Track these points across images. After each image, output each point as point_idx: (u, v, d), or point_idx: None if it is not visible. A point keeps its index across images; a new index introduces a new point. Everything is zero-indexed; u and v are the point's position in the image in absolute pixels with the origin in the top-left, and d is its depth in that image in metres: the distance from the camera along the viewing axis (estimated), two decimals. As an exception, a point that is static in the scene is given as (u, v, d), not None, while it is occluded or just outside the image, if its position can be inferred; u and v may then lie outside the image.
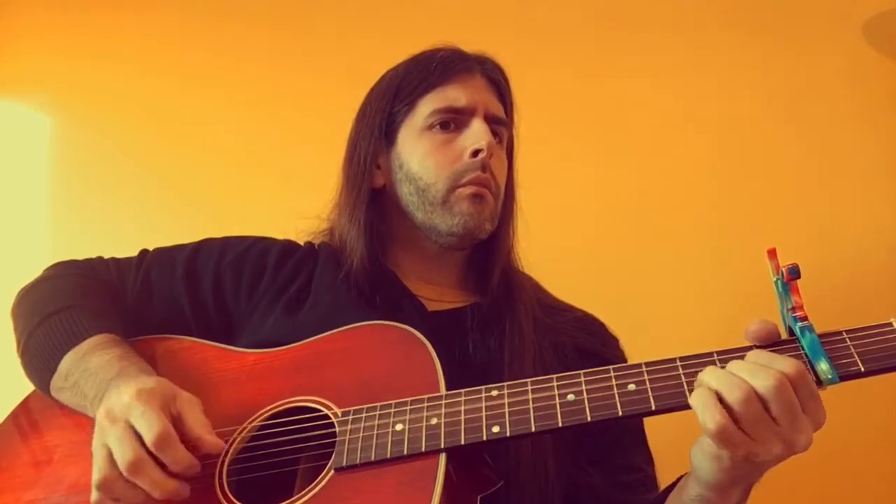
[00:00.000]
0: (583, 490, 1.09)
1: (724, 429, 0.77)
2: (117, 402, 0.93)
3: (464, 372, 0.99)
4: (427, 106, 1.20)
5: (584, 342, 1.20)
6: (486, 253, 1.24)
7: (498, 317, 1.16)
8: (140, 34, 2.12)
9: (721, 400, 0.78)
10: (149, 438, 0.89)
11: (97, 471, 0.90)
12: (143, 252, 1.28)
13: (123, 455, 0.89)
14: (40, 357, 1.11)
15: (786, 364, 0.79)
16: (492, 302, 1.19)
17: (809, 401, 0.79)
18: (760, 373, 0.78)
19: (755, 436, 0.78)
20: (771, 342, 0.85)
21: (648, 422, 1.17)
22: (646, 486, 1.13)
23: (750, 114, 1.88)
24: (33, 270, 1.25)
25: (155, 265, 1.25)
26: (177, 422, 0.93)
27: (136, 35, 2.12)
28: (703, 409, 0.78)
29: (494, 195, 1.20)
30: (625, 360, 1.23)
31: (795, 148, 1.84)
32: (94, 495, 0.91)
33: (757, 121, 1.87)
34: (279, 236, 1.31)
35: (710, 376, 0.80)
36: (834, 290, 1.66)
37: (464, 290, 1.26)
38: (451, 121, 1.19)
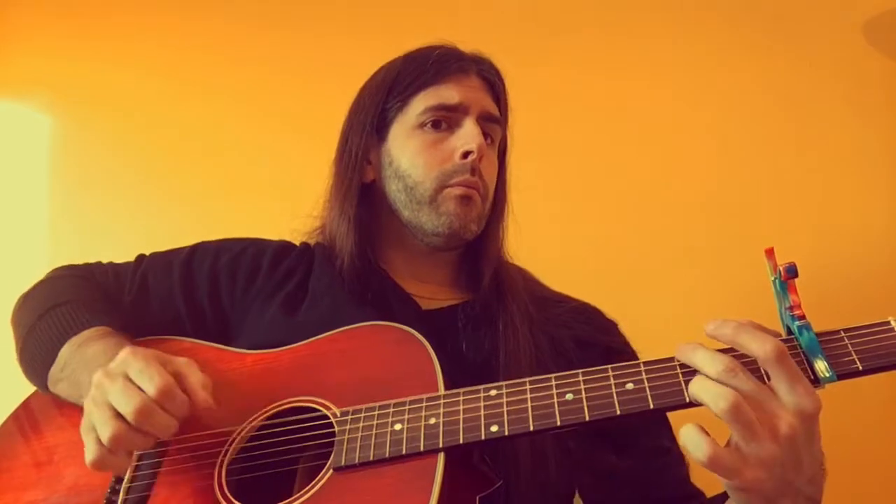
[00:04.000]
0: (612, 474, 1.09)
1: (715, 456, 0.74)
2: (112, 362, 0.94)
3: (461, 370, 0.99)
4: (420, 103, 1.20)
5: (583, 333, 1.19)
6: (477, 253, 1.24)
7: (490, 315, 1.16)
8: (139, 35, 2.12)
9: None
10: (151, 390, 0.90)
11: (105, 429, 0.90)
12: (140, 257, 1.29)
13: (131, 403, 0.89)
14: (39, 350, 1.11)
15: (756, 346, 0.78)
16: (483, 300, 1.19)
17: (789, 383, 0.77)
18: (711, 361, 0.79)
19: (742, 443, 0.76)
20: None
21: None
22: (679, 464, 1.12)
23: (750, 113, 1.88)
24: (32, 270, 1.26)
25: (151, 269, 1.25)
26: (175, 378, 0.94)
27: (135, 36, 2.13)
28: (692, 448, 0.76)
29: (482, 197, 1.20)
30: (625, 344, 1.23)
31: (795, 147, 1.84)
32: (96, 452, 0.91)
33: (757, 120, 1.87)
34: (278, 237, 1.31)
35: (695, 387, 0.79)
36: (833, 290, 1.66)
37: (457, 287, 1.26)
38: (444, 119, 1.19)
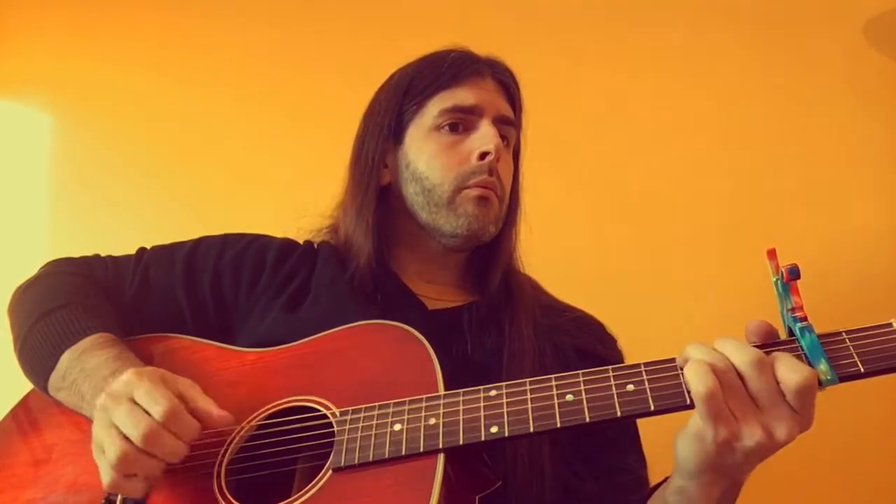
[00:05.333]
0: (578, 493, 1.09)
1: (712, 393, 0.78)
2: (117, 384, 0.94)
3: (464, 370, 0.99)
4: (436, 106, 1.20)
5: (584, 342, 1.20)
6: (488, 255, 1.24)
7: (496, 317, 1.16)
8: (140, 33, 2.12)
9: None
10: (157, 412, 0.89)
11: (112, 450, 0.90)
12: (142, 250, 1.28)
13: (137, 427, 0.89)
14: (38, 356, 1.10)
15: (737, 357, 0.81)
16: (490, 301, 1.19)
17: (797, 396, 0.79)
18: (742, 349, 0.81)
19: (736, 411, 0.79)
20: (768, 340, 0.85)
21: (645, 427, 1.17)
22: (638, 487, 1.13)
23: (750, 113, 1.88)
24: (32, 269, 1.25)
25: (153, 263, 1.24)
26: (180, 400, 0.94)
27: (135, 34, 2.12)
28: (695, 375, 0.79)
29: (500, 198, 1.20)
30: (622, 360, 1.23)
31: (796, 147, 1.84)
32: (110, 476, 0.91)
33: (757, 121, 1.87)
34: (279, 235, 1.31)
35: (694, 348, 0.82)
36: (835, 291, 1.66)
37: (463, 289, 1.26)
38: (460, 122, 1.19)
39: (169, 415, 0.90)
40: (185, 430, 0.91)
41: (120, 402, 0.92)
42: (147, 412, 0.90)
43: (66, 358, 1.07)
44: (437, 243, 1.21)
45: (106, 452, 0.91)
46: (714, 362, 0.80)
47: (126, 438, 0.90)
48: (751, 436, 0.79)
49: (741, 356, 0.80)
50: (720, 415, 0.78)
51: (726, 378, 0.79)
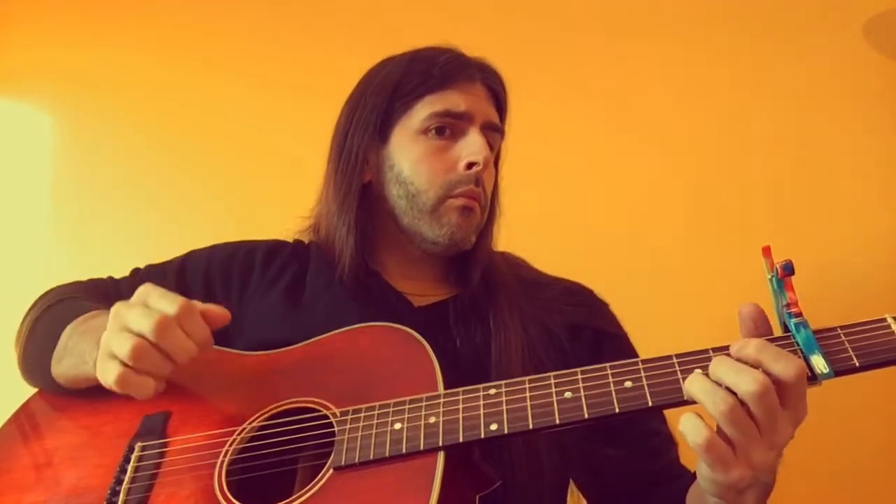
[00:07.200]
0: (604, 464, 1.10)
1: (710, 443, 0.76)
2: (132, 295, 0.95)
3: (453, 364, 0.99)
4: (425, 108, 1.18)
5: (574, 316, 1.20)
6: (467, 255, 1.23)
7: (480, 310, 1.16)
8: (141, 28, 2.13)
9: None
10: (172, 310, 0.90)
11: (124, 344, 0.89)
12: (136, 269, 1.30)
13: (150, 320, 0.89)
14: (40, 343, 1.11)
15: (782, 366, 0.78)
16: (472, 293, 1.19)
17: (799, 401, 0.79)
18: (744, 375, 0.77)
19: (738, 445, 0.77)
20: (762, 323, 0.85)
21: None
22: (669, 445, 1.15)
23: (750, 113, 1.88)
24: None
25: (147, 278, 1.25)
26: None
27: (136, 30, 2.13)
28: (691, 431, 0.78)
29: (482, 208, 1.20)
30: (617, 324, 1.24)
31: (795, 147, 1.85)
32: (117, 372, 0.90)
33: (756, 120, 1.88)
34: (282, 234, 1.32)
35: (694, 386, 0.80)
36: (831, 290, 1.66)
37: (445, 282, 1.26)
38: (448, 126, 1.18)
39: (183, 309, 0.91)
40: (196, 330, 0.92)
41: (133, 306, 0.93)
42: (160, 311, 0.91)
43: (67, 332, 1.07)
44: (416, 247, 1.21)
45: (118, 351, 0.90)
46: (714, 404, 0.77)
47: (138, 335, 0.90)
48: (763, 464, 0.78)
49: (746, 386, 0.77)
50: (724, 460, 0.77)
51: (731, 419, 0.77)
